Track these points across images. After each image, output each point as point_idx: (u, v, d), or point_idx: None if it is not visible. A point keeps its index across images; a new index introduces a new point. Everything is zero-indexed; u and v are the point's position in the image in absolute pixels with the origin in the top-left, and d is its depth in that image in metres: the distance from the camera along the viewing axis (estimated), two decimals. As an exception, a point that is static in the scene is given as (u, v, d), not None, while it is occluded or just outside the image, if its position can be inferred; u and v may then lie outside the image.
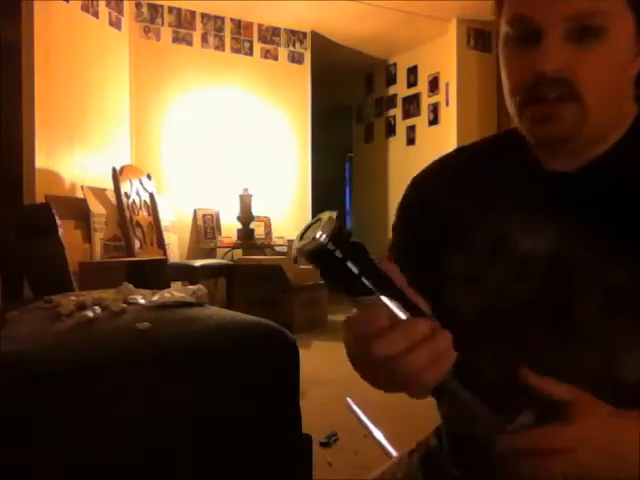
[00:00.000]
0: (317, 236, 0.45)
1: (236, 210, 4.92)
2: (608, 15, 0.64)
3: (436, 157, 0.84)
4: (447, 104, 5.69)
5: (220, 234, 5.14)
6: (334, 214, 0.46)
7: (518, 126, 0.71)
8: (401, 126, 6.30)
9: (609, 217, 0.67)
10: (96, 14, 4.34)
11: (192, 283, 3.28)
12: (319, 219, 0.47)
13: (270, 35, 5.54)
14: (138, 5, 4.90)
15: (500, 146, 0.79)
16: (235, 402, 1.18)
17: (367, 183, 6.93)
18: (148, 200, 4.17)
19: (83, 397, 1.04)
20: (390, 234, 0.83)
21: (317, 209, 5.85)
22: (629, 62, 0.68)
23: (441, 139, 5.60)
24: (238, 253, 5.03)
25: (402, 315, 0.49)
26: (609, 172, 0.68)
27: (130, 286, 1.58)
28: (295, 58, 5.67)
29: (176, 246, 4.82)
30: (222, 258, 4.91)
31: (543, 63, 0.63)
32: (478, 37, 5.60)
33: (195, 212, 5.13)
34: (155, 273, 3.01)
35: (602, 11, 0.63)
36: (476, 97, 5.58)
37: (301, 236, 0.48)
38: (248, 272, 4.51)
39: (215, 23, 5.27)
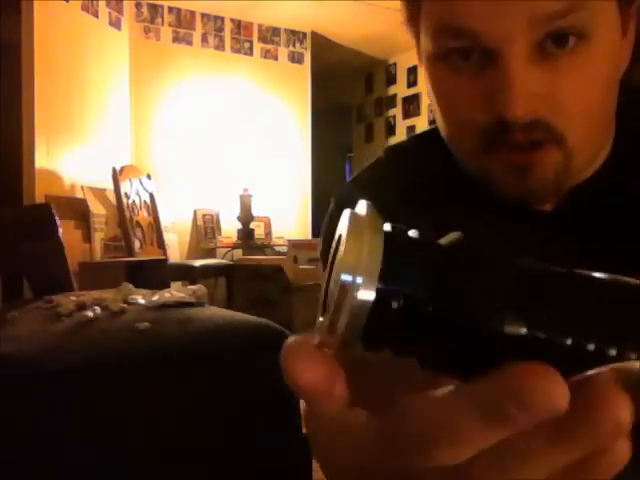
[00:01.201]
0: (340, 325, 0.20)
1: (236, 210, 4.92)
2: (592, 8, 0.43)
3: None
4: (447, 104, 5.69)
5: (220, 234, 5.14)
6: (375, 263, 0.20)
7: (469, 170, 0.52)
8: (401, 126, 6.30)
9: (606, 260, 0.44)
10: (96, 14, 4.34)
11: (192, 283, 3.28)
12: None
13: (270, 35, 5.54)
14: (138, 5, 4.90)
15: (441, 169, 0.57)
16: (235, 402, 1.18)
17: (367, 183, 6.91)
18: (148, 200, 4.17)
19: (83, 397, 1.03)
20: None
21: (317, 209, 5.85)
22: (617, 67, 0.49)
23: (441, 139, 5.59)
24: (238, 253, 5.03)
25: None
26: (597, 207, 0.51)
27: (130, 286, 1.58)
28: (295, 58, 5.66)
29: (176, 246, 4.82)
30: (222, 258, 4.91)
31: (509, 108, 0.43)
32: (478, 37, 5.60)
33: (195, 212, 5.13)
34: (155, 273, 3.01)
35: (584, 5, 0.42)
36: (476, 97, 5.58)
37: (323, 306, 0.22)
38: (248, 272, 4.51)
39: (215, 23, 5.27)
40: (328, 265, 0.22)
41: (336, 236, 0.22)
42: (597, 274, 0.21)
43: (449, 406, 0.19)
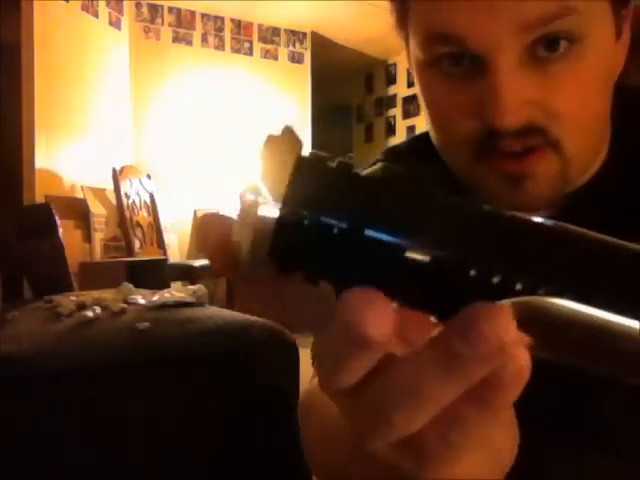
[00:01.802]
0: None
1: (236, 210, 4.92)
2: (584, 10, 0.41)
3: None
4: (447, 104, 5.69)
5: (220, 234, 5.14)
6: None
7: (461, 178, 0.49)
8: (401, 126, 6.30)
9: None
10: (96, 14, 4.34)
11: (192, 283, 3.28)
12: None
13: (270, 35, 5.54)
14: (138, 5, 4.90)
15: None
16: (235, 402, 1.18)
17: (367, 183, 6.91)
18: (148, 200, 4.17)
19: (83, 397, 1.03)
20: None
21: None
22: (612, 69, 0.47)
23: (441, 139, 5.59)
24: (238, 253, 5.03)
25: None
26: (594, 213, 0.46)
27: (130, 286, 1.58)
28: (295, 58, 5.66)
29: (176, 246, 4.82)
30: (222, 258, 4.90)
31: (496, 117, 0.42)
32: (478, 37, 5.60)
33: (195, 212, 5.13)
34: (155, 273, 3.00)
35: (575, 8, 0.41)
36: (476, 97, 5.58)
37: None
38: (248, 272, 4.51)
39: (215, 23, 5.27)
40: None
41: None
42: (516, 214, 0.20)
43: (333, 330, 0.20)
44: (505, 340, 0.18)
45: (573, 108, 0.43)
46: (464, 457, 0.22)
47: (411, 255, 0.19)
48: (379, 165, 0.21)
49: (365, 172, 0.21)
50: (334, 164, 0.21)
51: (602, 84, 0.46)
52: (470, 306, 0.18)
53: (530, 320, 0.19)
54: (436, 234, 0.20)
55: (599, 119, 0.47)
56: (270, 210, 0.20)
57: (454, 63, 0.45)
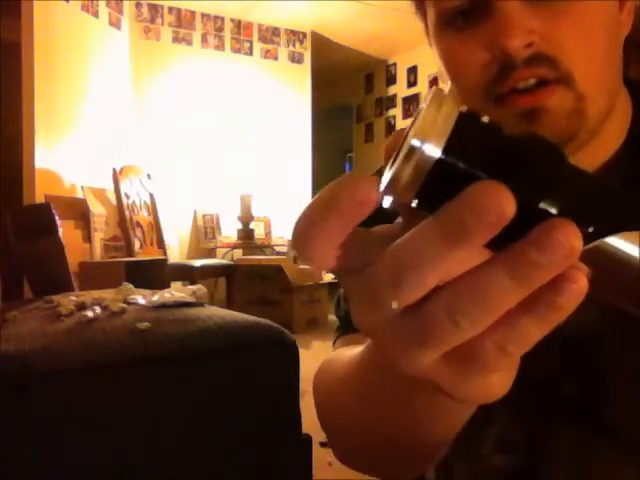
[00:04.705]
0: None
1: (236, 210, 4.92)
2: None
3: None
4: (447, 104, 5.69)
5: (220, 234, 5.14)
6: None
7: None
8: (401, 126, 6.30)
9: None
10: (96, 14, 4.34)
11: (192, 283, 3.28)
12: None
13: (270, 35, 5.54)
14: (138, 5, 4.90)
15: None
16: (235, 402, 1.18)
17: (367, 183, 6.91)
18: (148, 200, 4.17)
19: (83, 397, 1.04)
20: None
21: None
22: (617, 22, 0.50)
23: (441, 139, 5.59)
24: (238, 253, 5.03)
25: None
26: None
27: (130, 286, 1.58)
28: (295, 58, 5.66)
29: (176, 246, 4.82)
30: (222, 258, 4.91)
31: (506, 37, 0.44)
32: (478, 37, 5.60)
33: (195, 212, 5.13)
34: (155, 273, 3.01)
35: None
36: (476, 97, 5.58)
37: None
38: (248, 272, 4.51)
39: (215, 23, 5.27)
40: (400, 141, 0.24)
41: (415, 114, 0.24)
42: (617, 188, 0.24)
43: (415, 235, 0.22)
44: (575, 247, 0.20)
45: (578, 41, 0.45)
46: (508, 372, 0.24)
47: (543, 206, 0.22)
48: (525, 130, 0.24)
49: (512, 133, 0.24)
50: (487, 121, 0.23)
51: (605, 31, 0.47)
52: (542, 223, 0.21)
53: (596, 260, 0.22)
54: (566, 191, 0.22)
55: (610, 65, 0.49)
56: (432, 151, 0.22)
57: (465, 18, 0.48)
